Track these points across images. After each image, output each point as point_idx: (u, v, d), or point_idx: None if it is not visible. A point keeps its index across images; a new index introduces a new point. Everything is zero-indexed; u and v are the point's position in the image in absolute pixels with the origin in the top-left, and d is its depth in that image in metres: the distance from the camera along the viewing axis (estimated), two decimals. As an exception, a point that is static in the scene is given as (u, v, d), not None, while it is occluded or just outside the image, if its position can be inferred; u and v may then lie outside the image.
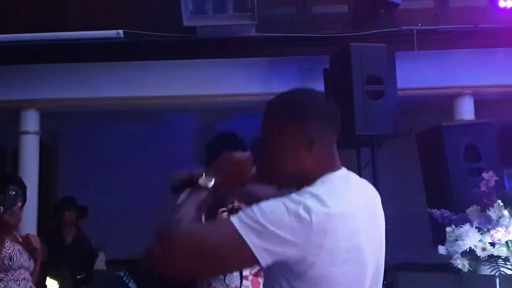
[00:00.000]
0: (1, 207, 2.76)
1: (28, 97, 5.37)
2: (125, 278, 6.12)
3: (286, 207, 1.27)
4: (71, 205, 5.15)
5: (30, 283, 3.02)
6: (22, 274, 2.96)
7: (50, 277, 4.61)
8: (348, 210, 1.33)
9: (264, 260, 1.26)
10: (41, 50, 5.15)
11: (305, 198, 1.29)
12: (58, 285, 4.68)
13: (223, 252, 1.27)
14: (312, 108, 1.45)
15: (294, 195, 1.31)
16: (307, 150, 1.41)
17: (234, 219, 1.28)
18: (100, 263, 5.50)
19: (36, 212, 5.15)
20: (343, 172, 1.46)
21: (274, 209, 1.27)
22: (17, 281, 2.93)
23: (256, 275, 3.25)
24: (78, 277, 4.97)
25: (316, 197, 1.29)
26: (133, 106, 5.57)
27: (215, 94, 5.34)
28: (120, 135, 7.06)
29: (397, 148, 5.08)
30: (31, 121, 5.42)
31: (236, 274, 3.15)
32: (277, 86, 5.33)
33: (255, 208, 1.29)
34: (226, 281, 3.12)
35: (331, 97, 1.56)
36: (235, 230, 1.25)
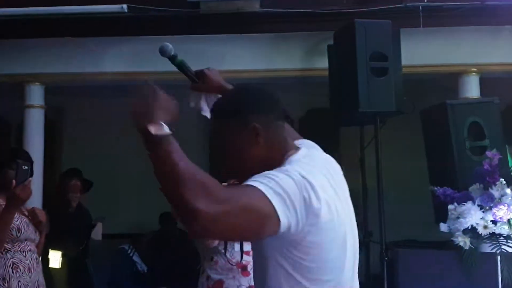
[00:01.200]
0: (13, 181, 2.80)
1: (32, 71, 5.37)
2: (129, 251, 6.20)
3: (292, 179, 1.33)
4: (76, 174, 5.20)
5: (35, 254, 3.07)
6: (28, 246, 3.01)
7: (52, 249, 4.66)
8: (324, 182, 1.41)
9: (284, 224, 1.30)
10: (45, 24, 5.14)
11: (298, 177, 1.35)
12: (61, 256, 4.74)
13: (262, 217, 1.29)
14: (248, 102, 1.50)
15: (290, 172, 1.36)
16: (256, 142, 1.45)
17: (257, 184, 1.30)
18: (96, 233, 5.55)
19: (41, 186, 5.20)
20: (304, 151, 1.50)
21: (284, 178, 1.32)
22: (23, 252, 2.98)
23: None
24: (80, 248, 5.03)
25: (305, 177, 1.36)
26: (136, 81, 5.56)
27: (219, 69, 5.31)
28: (123, 110, 7.04)
29: (401, 126, 5.08)
30: (35, 95, 5.44)
31: (237, 249, 3.19)
32: (281, 62, 5.31)
33: (269, 175, 1.33)
34: (228, 256, 3.17)
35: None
36: (264, 195, 1.28)
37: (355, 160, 5.00)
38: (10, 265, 2.91)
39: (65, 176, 5.20)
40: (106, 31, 5.22)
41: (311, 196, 1.34)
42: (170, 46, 1.75)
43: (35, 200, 4.47)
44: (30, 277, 2.97)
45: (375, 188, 4.50)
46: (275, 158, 1.45)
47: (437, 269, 3.60)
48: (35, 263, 3.04)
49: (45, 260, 4.61)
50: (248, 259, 3.20)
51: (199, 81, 1.79)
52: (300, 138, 1.65)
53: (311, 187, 1.35)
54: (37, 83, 5.43)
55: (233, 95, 1.59)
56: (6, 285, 2.88)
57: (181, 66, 1.88)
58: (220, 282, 3.13)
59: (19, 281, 2.92)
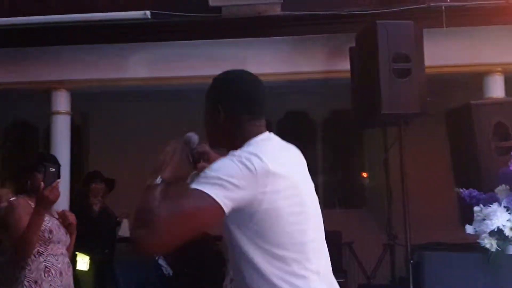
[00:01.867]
0: (42, 183, 2.89)
1: (58, 78, 5.48)
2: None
3: (234, 162, 1.58)
4: (98, 177, 5.26)
5: (67, 258, 3.13)
6: (60, 249, 3.06)
7: (79, 253, 4.72)
8: (279, 159, 1.65)
9: (227, 206, 1.53)
10: (70, 31, 5.24)
11: (246, 154, 1.61)
12: (88, 260, 4.80)
13: (200, 213, 1.55)
14: (226, 92, 1.78)
15: (237, 153, 1.62)
16: (220, 124, 1.75)
17: (194, 184, 1.57)
18: (124, 230, 5.59)
19: (68, 190, 5.29)
20: (265, 135, 1.76)
21: (224, 165, 1.60)
22: (55, 256, 3.03)
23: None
24: (105, 251, 5.08)
25: (253, 152, 1.61)
26: (160, 86, 5.63)
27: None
28: (147, 114, 7.14)
29: (425, 127, 5.04)
30: (62, 101, 5.55)
31: None
32: (302, 65, 5.32)
33: (207, 170, 1.61)
34: None
35: (257, 81, 1.88)
36: (200, 191, 1.53)
37: (379, 162, 4.98)
38: (42, 268, 2.97)
39: (86, 180, 5.28)
40: (130, 38, 5.30)
41: (257, 168, 1.56)
42: (196, 137, 1.89)
43: (62, 204, 4.55)
44: (61, 281, 3.02)
45: (400, 190, 4.47)
46: (235, 140, 1.72)
47: (463, 271, 3.56)
48: (66, 267, 3.09)
49: (73, 263, 4.68)
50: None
51: (204, 159, 1.91)
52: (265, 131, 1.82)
53: (261, 161, 1.58)
54: (63, 89, 5.54)
55: (219, 83, 1.85)
56: (38, 288, 2.94)
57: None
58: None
59: (50, 284, 2.97)
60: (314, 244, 1.68)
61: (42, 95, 5.57)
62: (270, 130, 1.82)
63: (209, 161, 1.86)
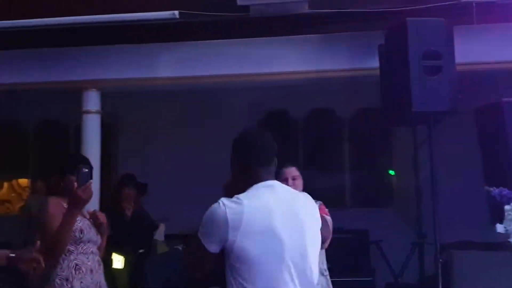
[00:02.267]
0: (75, 183, 2.95)
1: (89, 77, 5.56)
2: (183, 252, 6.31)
3: (211, 212, 2.01)
4: (130, 182, 5.32)
5: (97, 257, 3.18)
6: (90, 248, 3.12)
7: (114, 253, 4.81)
8: (262, 205, 2.00)
9: (209, 246, 2.01)
10: (100, 32, 5.32)
11: (228, 200, 2.01)
12: (123, 259, 4.88)
13: (198, 252, 2.06)
14: (243, 149, 2.17)
15: (223, 199, 2.03)
16: (239, 174, 2.16)
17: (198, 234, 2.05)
18: (159, 234, 5.66)
19: (98, 188, 5.36)
20: (268, 182, 2.10)
21: (205, 217, 2.03)
22: (86, 254, 3.09)
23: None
24: (140, 251, 5.15)
25: (236, 199, 2.01)
26: (189, 85, 5.68)
27: (269, 72, 5.38)
28: (176, 113, 7.22)
29: (455, 125, 4.98)
30: (92, 101, 5.61)
31: None
32: (330, 63, 5.31)
33: (202, 221, 2.05)
34: None
35: (269, 134, 2.20)
36: (198, 238, 2.04)
37: (407, 161, 4.94)
38: (73, 266, 3.02)
39: (119, 185, 5.35)
40: (159, 37, 5.36)
41: (233, 217, 1.95)
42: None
43: (93, 203, 4.62)
44: (92, 279, 3.07)
45: (429, 188, 4.43)
46: (246, 186, 2.09)
47: (493, 270, 3.52)
48: (97, 265, 3.14)
49: (109, 261, 4.78)
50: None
51: None
52: (272, 179, 2.16)
53: (234, 212, 1.96)
54: (93, 89, 5.61)
55: (239, 142, 2.22)
56: (69, 285, 2.99)
57: None
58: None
59: (81, 282, 3.02)
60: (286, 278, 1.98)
61: (73, 95, 5.66)
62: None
63: None
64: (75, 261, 3.03)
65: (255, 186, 2.06)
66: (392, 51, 4.63)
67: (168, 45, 5.39)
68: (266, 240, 1.95)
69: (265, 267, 1.94)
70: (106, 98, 5.75)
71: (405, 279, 5.85)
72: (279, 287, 1.95)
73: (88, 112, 5.60)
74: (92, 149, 5.46)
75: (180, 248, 6.32)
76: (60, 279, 2.99)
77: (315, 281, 2.06)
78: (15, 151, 8.07)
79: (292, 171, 3.41)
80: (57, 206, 3.07)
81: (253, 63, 5.31)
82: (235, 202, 1.99)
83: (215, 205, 2.01)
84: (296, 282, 1.97)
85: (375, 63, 4.92)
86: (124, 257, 4.93)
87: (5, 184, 8.25)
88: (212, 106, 7.05)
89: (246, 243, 1.93)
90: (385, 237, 6.23)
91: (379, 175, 7.61)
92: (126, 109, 7.26)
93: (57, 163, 3.66)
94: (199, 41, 5.25)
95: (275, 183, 2.11)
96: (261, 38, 5.31)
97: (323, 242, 3.24)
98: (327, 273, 3.39)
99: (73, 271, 3.01)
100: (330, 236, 3.32)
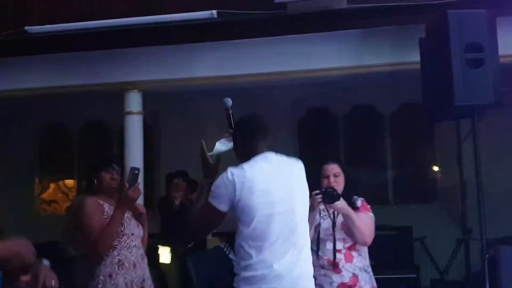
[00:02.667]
0: (126, 184, 3.11)
1: (131, 79, 5.66)
2: (225, 249, 6.35)
3: (222, 178, 2.51)
4: (182, 175, 5.41)
5: (141, 250, 3.24)
6: (133, 241, 3.18)
7: (160, 245, 4.87)
8: (259, 170, 2.53)
9: (220, 207, 2.50)
10: (140, 33, 5.41)
11: (235, 168, 2.52)
12: (169, 252, 4.93)
13: (208, 214, 2.57)
14: (245, 127, 2.71)
15: (231, 168, 2.53)
16: (240, 147, 2.68)
17: (208, 198, 2.56)
18: None
19: (142, 187, 5.45)
20: (264, 154, 2.60)
21: (216, 183, 2.54)
22: (128, 248, 3.15)
23: (350, 249, 3.28)
24: (188, 245, 5.18)
25: (241, 167, 2.54)
26: (228, 85, 5.72)
27: (308, 69, 5.36)
28: (216, 113, 7.26)
29: (500, 118, 4.87)
30: (134, 102, 5.71)
31: (329, 247, 3.21)
32: (369, 58, 5.25)
33: (213, 186, 2.56)
34: (320, 254, 3.19)
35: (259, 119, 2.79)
36: (209, 201, 2.54)
37: (451, 155, 4.85)
38: (116, 262, 3.08)
39: (170, 176, 5.45)
40: (198, 38, 5.41)
41: (238, 180, 2.47)
42: (230, 101, 2.96)
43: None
44: (135, 273, 3.13)
45: (474, 183, 4.34)
46: (246, 158, 2.60)
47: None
48: (140, 259, 3.20)
49: (158, 256, 4.85)
50: (340, 257, 3.21)
51: None
52: (268, 151, 2.64)
53: (239, 176, 2.47)
54: (135, 90, 5.71)
55: (239, 122, 2.78)
56: (113, 282, 3.06)
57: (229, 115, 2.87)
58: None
59: (124, 277, 3.08)
60: (279, 250, 2.48)
61: (115, 96, 5.77)
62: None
63: None
64: (118, 257, 3.10)
65: (254, 158, 2.57)
66: (433, 45, 4.55)
67: (206, 45, 5.43)
68: (263, 196, 2.47)
69: (260, 213, 2.46)
70: (146, 99, 5.84)
71: (450, 276, 5.75)
72: (269, 228, 2.46)
73: (130, 113, 5.70)
74: (135, 148, 5.57)
75: (222, 245, 6.37)
76: (104, 276, 3.07)
77: (303, 238, 2.56)
78: (61, 153, 8.30)
79: (334, 168, 3.39)
80: (93, 204, 3.16)
81: (292, 61, 5.30)
82: (240, 169, 2.51)
83: (224, 173, 2.51)
84: (286, 231, 2.49)
85: (415, 57, 4.84)
86: (172, 249, 4.97)
87: (52, 185, 8.49)
88: (252, 105, 7.06)
89: (248, 198, 2.45)
90: (430, 233, 6.14)
91: (422, 170, 7.50)
92: (166, 109, 7.36)
93: (91, 163, 3.84)
94: (237, 40, 5.27)
95: (270, 154, 2.61)
96: (299, 35, 5.30)
97: (363, 242, 3.23)
98: (370, 269, 3.37)
99: (116, 268, 3.08)
100: (373, 233, 3.30)
